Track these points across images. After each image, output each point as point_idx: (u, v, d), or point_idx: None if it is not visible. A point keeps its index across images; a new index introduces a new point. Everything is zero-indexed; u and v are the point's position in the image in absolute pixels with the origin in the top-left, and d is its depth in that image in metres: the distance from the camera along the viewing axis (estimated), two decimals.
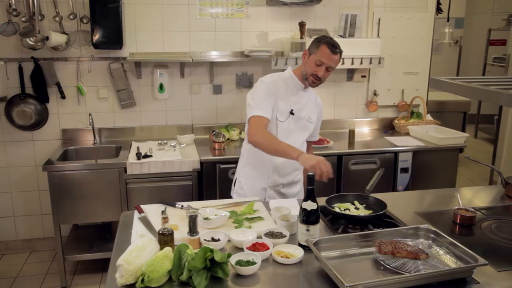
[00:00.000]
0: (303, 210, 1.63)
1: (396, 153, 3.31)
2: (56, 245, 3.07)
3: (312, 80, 2.22)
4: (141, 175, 2.97)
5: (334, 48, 2.17)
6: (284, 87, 2.29)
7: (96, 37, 3.21)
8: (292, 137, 2.31)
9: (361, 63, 3.52)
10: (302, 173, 2.47)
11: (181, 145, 3.31)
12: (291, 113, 2.29)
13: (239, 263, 1.51)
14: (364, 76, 3.84)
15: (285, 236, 1.71)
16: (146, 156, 3.00)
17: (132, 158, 2.99)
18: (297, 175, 2.43)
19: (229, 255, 1.49)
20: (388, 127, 3.96)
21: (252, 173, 2.39)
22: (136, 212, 1.99)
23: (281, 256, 1.58)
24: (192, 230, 1.62)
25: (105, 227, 3.52)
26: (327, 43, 2.17)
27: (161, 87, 3.45)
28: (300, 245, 1.66)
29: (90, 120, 3.35)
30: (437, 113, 4.71)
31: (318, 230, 1.65)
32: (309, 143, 2.54)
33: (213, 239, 1.69)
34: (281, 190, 2.39)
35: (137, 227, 1.84)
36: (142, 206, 2.02)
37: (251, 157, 2.38)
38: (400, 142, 3.43)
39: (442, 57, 6.93)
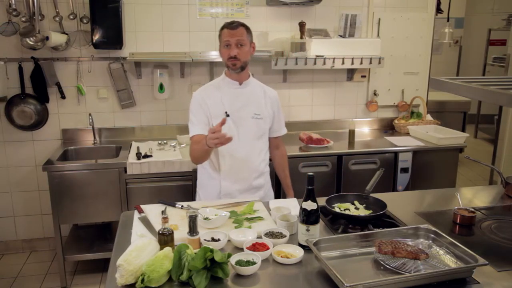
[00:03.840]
0: (303, 210, 1.63)
1: (396, 153, 3.31)
2: (56, 245, 3.07)
3: (231, 63, 2.19)
4: (141, 175, 2.97)
5: (231, 23, 2.19)
6: (214, 92, 2.27)
7: (96, 37, 3.21)
8: (242, 138, 2.25)
9: (361, 63, 3.52)
10: (265, 178, 2.40)
11: (181, 145, 3.30)
12: (226, 114, 2.22)
13: (239, 263, 1.51)
14: (364, 76, 3.84)
15: (285, 236, 1.71)
16: (146, 156, 3.00)
17: (132, 158, 2.99)
18: (254, 180, 2.33)
19: (229, 255, 1.49)
20: (388, 127, 3.96)
21: (206, 182, 2.36)
22: (136, 212, 1.99)
23: (281, 256, 1.58)
24: (192, 230, 1.62)
25: (105, 227, 3.52)
26: (223, 26, 2.22)
27: (161, 87, 3.45)
28: (300, 245, 1.66)
29: (90, 120, 3.35)
30: (437, 113, 4.72)
31: (318, 230, 1.65)
32: (275, 139, 2.47)
33: (213, 239, 1.69)
34: (238, 197, 2.28)
35: (137, 227, 1.84)
36: (142, 206, 2.02)
37: (202, 166, 2.36)
38: (400, 142, 3.43)
39: (442, 57, 6.92)
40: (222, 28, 2.22)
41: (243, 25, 2.21)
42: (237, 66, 2.20)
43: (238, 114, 2.26)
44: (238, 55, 2.17)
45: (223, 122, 1.97)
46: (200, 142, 2.11)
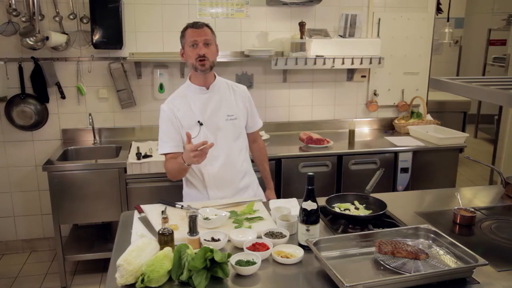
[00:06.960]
0: (303, 210, 1.63)
1: (396, 153, 3.31)
2: (56, 245, 3.07)
3: (200, 63, 2.11)
4: (141, 175, 2.97)
5: (195, 23, 2.14)
6: (182, 102, 2.20)
7: (96, 37, 3.21)
8: (220, 143, 2.20)
9: (361, 63, 3.52)
10: (250, 177, 2.36)
11: None
12: (200, 123, 2.18)
13: (239, 263, 1.51)
14: (364, 76, 3.84)
15: (285, 236, 1.71)
16: (146, 156, 3.00)
17: (132, 158, 2.99)
18: (240, 181, 2.29)
19: (229, 255, 1.49)
20: (388, 127, 3.96)
21: (192, 193, 2.31)
22: (136, 212, 1.99)
23: (281, 256, 1.58)
24: (192, 230, 1.62)
25: (105, 227, 3.52)
26: (187, 26, 2.16)
27: (161, 87, 3.45)
28: (300, 245, 1.66)
29: (90, 120, 3.35)
30: (437, 113, 4.71)
31: (318, 230, 1.65)
32: (251, 134, 2.40)
33: (213, 239, 1.69)
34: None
35: (137, 227, 1.84)
36: (142, 206, 2.02)
37: (185, 179, 2.32)
38: (400, 142, 3.43)
39: (442, 57, 6.93)
40: (186, 28, 2.16)
41: (207, 25, 2.17)
42: (206, 66, 2.13)
43: (211, 120, 2.19)
44: (206, 54, 2.11)
45: (189, 137, 1.94)
46: (175, 158, 2.09)
